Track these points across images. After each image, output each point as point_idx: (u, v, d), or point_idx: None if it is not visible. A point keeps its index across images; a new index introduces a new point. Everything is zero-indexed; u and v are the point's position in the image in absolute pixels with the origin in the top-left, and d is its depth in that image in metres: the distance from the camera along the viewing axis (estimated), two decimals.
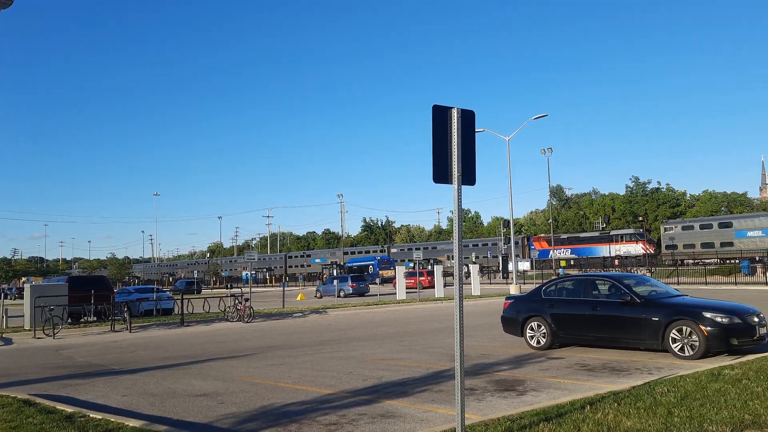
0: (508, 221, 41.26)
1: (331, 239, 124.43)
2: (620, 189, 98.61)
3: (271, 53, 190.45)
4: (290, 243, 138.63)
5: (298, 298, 43.15)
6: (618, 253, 66.70)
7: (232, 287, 62.29)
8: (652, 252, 66.60)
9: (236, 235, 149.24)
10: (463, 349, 5.54)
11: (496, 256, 74.77)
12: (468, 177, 5.75)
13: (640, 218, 77.82)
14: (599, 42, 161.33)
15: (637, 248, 66.21)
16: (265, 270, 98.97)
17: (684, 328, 11.12)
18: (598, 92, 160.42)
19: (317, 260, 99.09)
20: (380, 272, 60.63)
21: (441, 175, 5.59)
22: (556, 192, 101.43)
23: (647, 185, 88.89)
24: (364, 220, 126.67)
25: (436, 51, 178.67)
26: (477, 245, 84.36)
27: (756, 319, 11.36)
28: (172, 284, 79.55)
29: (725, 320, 11.00)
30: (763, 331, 11.42)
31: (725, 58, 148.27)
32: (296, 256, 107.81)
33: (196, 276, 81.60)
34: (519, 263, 63.09)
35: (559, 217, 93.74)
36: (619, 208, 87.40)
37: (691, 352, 10.96)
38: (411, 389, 9.06)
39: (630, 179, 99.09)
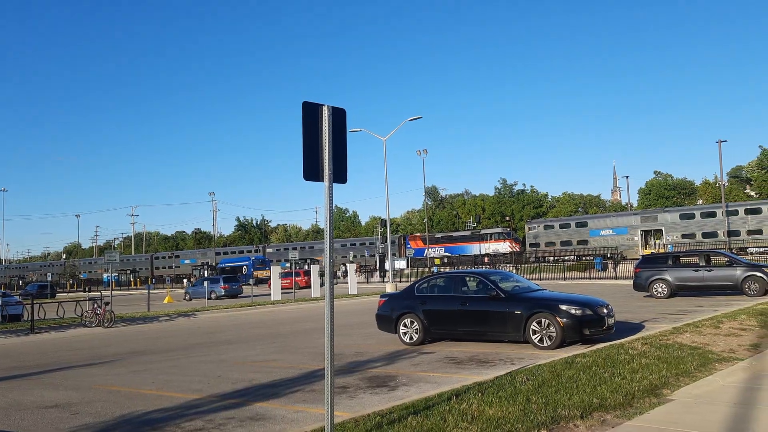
0: (386, 221, 41.97)
1: (202, 239, 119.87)
2: (490, 190, 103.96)
3: (134, 48, 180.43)
4: (157, 243, 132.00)
5: (165, 301, 41.17)
6: (488, 251, 70.06)
7: (90, 290, 58.03)
8: (518, 250, 70.61)
9: (96, 235, 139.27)
10: (333, 348, 5.50)
11: (374, 255, 75.91)
12: (339, 175, 5.73)
13: (507, 218, 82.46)
14: (472, 47, 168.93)
15: (504, 246, 69.90)
16: (129, 272, 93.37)
17: (543, 320, 11.87)
18: (470, 96, 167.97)
19: (187, 261, 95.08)
20: (255, 273, 59.33)
21: (312, 172, 5.52)
22: (432, 192, 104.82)
23: (514, 187, 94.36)
24: (238, 220, 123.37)
25: (315, 53, 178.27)
26: (355, 244, 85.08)
27: (605, 311, 12.36)
28: (22, 288, 72.74)
29: (579, 312, 11.88)
30: (611, 321, 12.47)
31: (583, 68, 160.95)
32: (164, 257, 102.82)
33: (50, 279, 75.25)
34: (395, 262, 64.40)
35: (434, 217, 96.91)
36: (489, 208, 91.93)
37: (549, 343, 11.71)
38: (283, 390, 8.92)
39: (498, 181, 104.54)
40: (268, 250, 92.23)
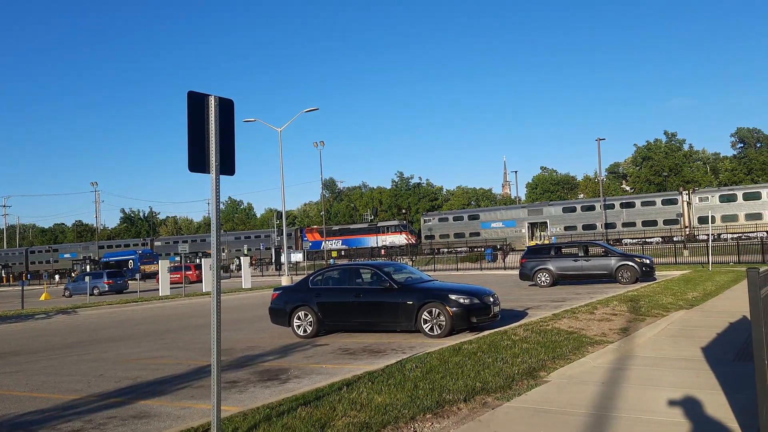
0: (282, 213, 41.47)
1: (83, 232, 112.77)
2: (387, 183, 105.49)
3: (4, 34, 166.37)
4: (33, 236, 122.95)
5: (42, 298, 38.48)
6: (384, 243, 71.08)
7: None
8: (414, 242, 72.19)
9: None
10: (219, 342, 5.42)
11: (270, 249, 74.82)
12: (227, 167, 5.63)
13: (404, 211, 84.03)
14: (369, 42, 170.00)
15: (401, 239, 71.21)
16: (0, 267, 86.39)
17: (433, 309, 12.26)
18: (368, 90, 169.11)
19: (67, 255, 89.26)
20: (142, 267, 56.74)
21: (197, 164, 5.39)
22: (329, 185, 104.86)
23: (410, 180, 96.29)
24: (124, 212, 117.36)
25: (216, 44, 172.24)
26: (250, 237, 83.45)
27: (491, 299, 12.95)
28: None
29: (467, 301, 12.36)
30: (497, 309, 13.08)
31: (477, 66, 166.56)
32: (41, 251, 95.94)
33: None
34: (292, 255, 63.85)
35: (331, 210, 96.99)
36: (386, 201, 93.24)
37: (439, 331, 12.11)
38: (170, 387, 8.65)
39: (396, 174, 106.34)
40: (157, 243, 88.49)
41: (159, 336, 15.41)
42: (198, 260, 52.05)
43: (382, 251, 68.28)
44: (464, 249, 65.23)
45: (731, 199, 53.61)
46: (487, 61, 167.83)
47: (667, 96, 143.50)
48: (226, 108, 5.65)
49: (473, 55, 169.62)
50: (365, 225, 77.80)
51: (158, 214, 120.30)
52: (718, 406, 6.05)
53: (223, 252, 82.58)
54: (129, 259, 63.89)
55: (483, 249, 59.20)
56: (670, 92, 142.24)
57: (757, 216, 51.71)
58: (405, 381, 7.43)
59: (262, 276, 55.00)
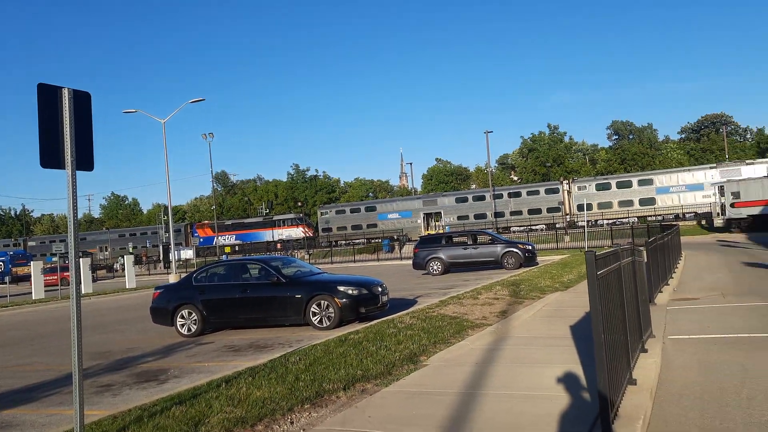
0: (169, 208, 39.86)
1: None
2: (283, 176, 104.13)
3: None
4: None
5: None
6: (281, 237, 70.22)
7: None
8: (311, 235, 71.84)
9: None
10: (81, 344, 5.20)
11: (157, 246, 71.77)
12: (84, 162, 5.37)
13: (300, 204, 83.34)
14: (261, 32, 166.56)
15: (297, 232, 70.63)
16: None
17: (322, 302, 12.32)
18: (263, 81, 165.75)
19: None
20: (13, 269, 52.54)
21: (50, 159, 5.11)
22: (221, 178, 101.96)
23: (307, 172, 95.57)
24: None
25: (106, 32, 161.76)
26: (135, 234, 79.68)
27: (380, 289, 13.21)
28: None
29: (355, 292, 12.53)
30: (385, 298, 13.36)
31: (372, 58, 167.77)
32: None
33: None
34: (181, 251, 61.61)
35: (224, 204, 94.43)
36: (282, 194, 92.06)
37: (328, 323, 12.20)
38: (38, 395, 8.16)
39: (291, 166, 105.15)
40: (31, 243, 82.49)
41: (29, 342, 14.41)
42: None
43: (279, 245, 67.45)
44: (362, 241, 65.77)
45: (606, 187, 57.56)
46: (382, 54, 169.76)
47: (551, 90, 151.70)
48: (81, 101, 5.39)
49: (368, 48, 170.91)
50: (260, 219, 76.51)
51: (32, 212, 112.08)
52: (577, 377, 6.55)
53: (106, 251, 78.30)
54: None
55: (380, 240, 59.97)
56: (553, 87, 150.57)
57: (629, 203, 55.88)
58: (287, 374, 7.45)
59: (149, 275, 52.65)
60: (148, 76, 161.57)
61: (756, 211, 41.55)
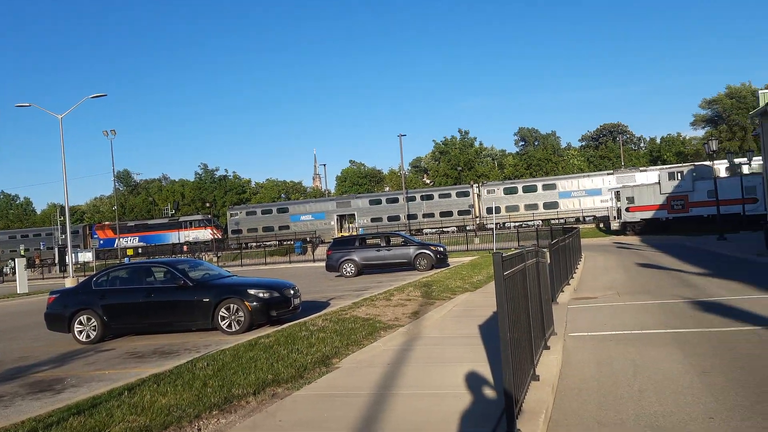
0: (65, 208, 37.64)
1: None
2: (190, 175, 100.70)
3: None
4: None
5: None
6: (188, 239, 67.98)
7: None
8: (220, 237, 70.00)
9: None
10: None
11: (52, 248, 67.59)
12: None
13: (209, 205, 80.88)
14: (164, 28, 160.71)
15: (206, 234, 68.59)
16: None
17: (232, 305, 12.03)
18: (169, 78, 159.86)
19: None
20: None
21: None
22: (124, 177, 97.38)
23: (216, 172, 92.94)
24: None
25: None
26: (27, 236, 74.76)
27: (291, 292, 13.06)
28: None
29: (266, 295, 12.32)
30: (297, 301, 13.23)
31: (286, 58, 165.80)
32: None
33: None
34: (79, 254, 58.44)
35: (126, 204, 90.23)
36: (189, 194, 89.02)
37: (238, 327, 11.93)
38: None
39: (199, 166, 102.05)
40: None
41: None
42: None
43: (185, 248, 65.26)
44: (274, 243, 64.81)
45: (513, 191, 59.80)
46: (295, 55, 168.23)
47: (462, 96, 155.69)
48: None
49: (281, 46, 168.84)
50: (166, 220, 73.68)
51: None
52: (484, 375, 6.75)
53: None
54: None
55: (293, 242, 59.33)
56: (465, 93, 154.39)
57: (534, 206, 58.32)
58: (194, 380, 7.22)
59: (44, 279, 49.50)
60: (44, 70, 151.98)
61: (648, 215, 44.56)
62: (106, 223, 76.38)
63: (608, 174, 57.63)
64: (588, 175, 59.83)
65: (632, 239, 41.18)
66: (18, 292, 32.07)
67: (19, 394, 7.88)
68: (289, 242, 61.39)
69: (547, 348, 7.55)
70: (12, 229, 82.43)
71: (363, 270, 25.70)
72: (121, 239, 65.45)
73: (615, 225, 46.64)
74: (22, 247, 69.78)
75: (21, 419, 6.08)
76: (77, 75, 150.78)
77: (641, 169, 57.64)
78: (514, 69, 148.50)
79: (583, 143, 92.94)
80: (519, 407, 4.88)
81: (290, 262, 45.76)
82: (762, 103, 28.82)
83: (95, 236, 71.88)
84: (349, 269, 25.49)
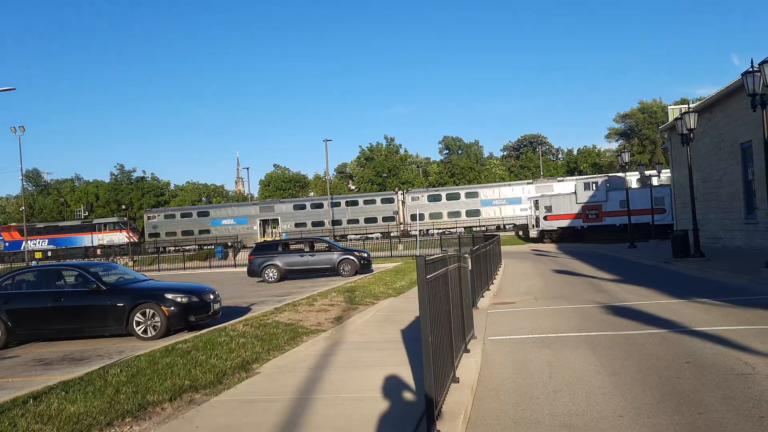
0: None
1: None
2: (105, 176, 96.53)
3: None
4: None
5: None
6: (102, 242, 65.11)
7: None
8: (136, 240, 67.43)
9: None
10: None
11: None
12: None
13: (125, 207, 77.73)
14: (80, 19, 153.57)
15: (121, 237, 65.87)
16: None
17: (148, 310, 11.63)
18: (81, 72, 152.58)
19: None
20: None
21: None
22: (33, 176, 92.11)
23: (133, 173, 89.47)
24: None
25: None
26: None
27: (212, 296, 12.76)
28: None
29: (185, 300, 11.99)
30: (217, 306, 12.93)
31: (200, 56, 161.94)
32: None
33: None
34: None
35: (35, 205, 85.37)
36: (104, 196, 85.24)
37: (154, 333, 11.54)
38: None
39: (115, 167, 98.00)
40: None
41: None
42: None
43: (98, 251, 62.41)
44: (193, 247, 63.03)
45: (437, 198, 60.87)
46: (217, 55, 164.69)
47: (389, 103, 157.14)
48: None
49: (203, 44, 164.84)
50: (78, 222, 70.15)
51: None
52: (406, 378, 6.82)
53: None
54: None
55: (213, 247, 57.91)
56: (391, 100, 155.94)
57: (457, 214, 59.59)
58: (106, 387, 6.92)
59: None
60: None
61: (564, 223, 46.47)
62: (13, 224, 71.84)
63: (528, 183, 59.69)
64: (509, 184, 61.72)
65: (550, 247, 42.81)
66: None
67: None
68: (209, 247, 59.86)
69: (468, 351, 7.73)
70: None
71: (286, 275, 25.44)
72: (29, 242, 61.72)
73: (533, 233, 48.35)
74: None
75: None
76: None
77: (559, 179, 60.05)
78: (441, 78, 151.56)
79: (505, 153, 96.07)
80: (439, 409, 4.97)
81: (210, 267, 44.71)
82: (671, 119, 30.72)
83: (0, 238, 67.54)
84: (271, 274, 25.16)
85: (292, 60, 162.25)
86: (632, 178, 47.91)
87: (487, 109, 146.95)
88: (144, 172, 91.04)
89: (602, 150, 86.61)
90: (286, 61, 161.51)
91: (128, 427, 5.55)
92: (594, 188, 46.06)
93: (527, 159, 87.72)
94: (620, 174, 40.44)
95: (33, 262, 53.49)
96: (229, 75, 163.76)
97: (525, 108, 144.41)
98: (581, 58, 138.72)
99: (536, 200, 48.76)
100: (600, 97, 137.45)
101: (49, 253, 63.92)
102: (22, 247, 61.94)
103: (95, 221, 69.13)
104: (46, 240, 66.66)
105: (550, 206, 46.91)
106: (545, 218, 46.98)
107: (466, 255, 10.36)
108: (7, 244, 66.28)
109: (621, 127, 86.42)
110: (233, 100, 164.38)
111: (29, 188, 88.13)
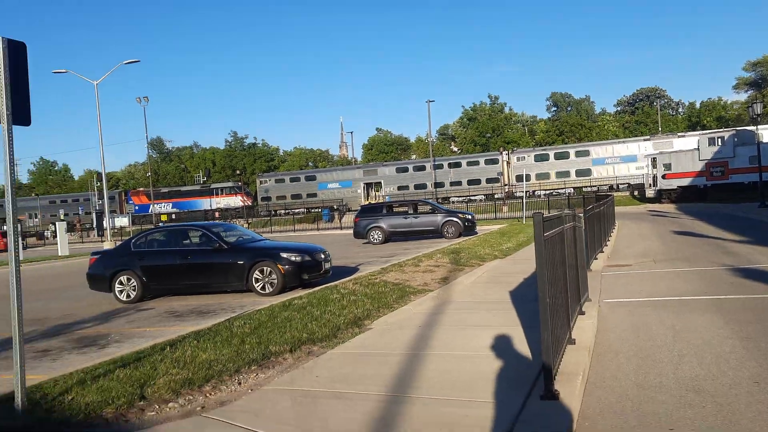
0: (102, 174, 38.42)
1: None
2: (220, 143, 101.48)
3: None
4: None
5: None
6: (219, 205, 68.88)
7: None
8: (250, 204, 70.77)
9: None
10: (21, 302, 4.99)
11: (90, 213, 69.22)
12: (21, 115, 5.10)
13: (239, 172, 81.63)
14: None
15: (236, 200, 69.40)
16: None
17: (265, 268, 12.22)
18: (200, 45, 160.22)
19: None
20: None
21: None
22: (157, 144, 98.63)
23: (245, 140, 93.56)
24: None
25: None
26: (66, 201, 76.58)
27: (322, 256, 13.19)
28: None
29: (298, 259, 12.47)
30: (328, 265, 13.37)
31: (300, 26, 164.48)
32: None
33: None
34: (116, 219, 59.72)
35: (159, 171, 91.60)
36: (220, 161, 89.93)
37: (271, 289, 12.13)
38: None
39: (229, 134, 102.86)
40: None
41: None
42: (5, 227, 46.70)
43: (217, 214, 66.15)
44: (301, 210, 65.27)
45: (544, 158, 58.88)
46: (321, 21, 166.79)
47: (492, 61, 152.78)
48: (16, 50, 5.10)
49: (306, 15, 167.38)
50: (198, 187, 74.66)
51: None
52: (517, 338, 6.76)
53: (36, 217, 75.06)
54: None
55: (320, 210, 59.66)
56: (494, 58, 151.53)
57: (566, 174, 57.43)
58: (232, 337, 7.39)
59: (83, 242, 50.85)
60: (78, 35, 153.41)
61: (685, 182, 43.57)
62: (141, 189, 77.77)
63: (644, 140, 56.15)
64: (623, 141, 58.46)
65: (668, 207, 40.42)
66: (59, 254, 33.02)
67: (65, 349, 8.18)
68: (316, 210, 61.69)
69: (582, 313, 7.52)
70: (51, 195, 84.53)
71: (390, 237, 25.76)
72: (155, 205, 66.65)
73: (650, 193, 45.73)
74: (61, 211, 71.53)
75: (69, 371, 6.31)
76: (110, 42, 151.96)
77: (679, 134, 56.00)
78: (546, 32, 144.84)
79: (619, 108, 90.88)
80: (556, 369, 4.90)
81: (318, 229, 46.10)
82: None
83: (131, 202, 73.30)
84: (376, 236, 25.58)
85: (393, 23, 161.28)
86: (764, 132, 43.85)
87: (598, 63, 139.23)
88: (255, 138, 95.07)
89: (729, 102, 79.83)
90: (387, 25, 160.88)
91: (254, 375, 5.92)
92: (719, 143, 42.67)
93: (643, 114, 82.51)
94: (750, 127, 37.17)
95: (159, 224, 57.75)
96: (332, 41, 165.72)
97: (641, 59, 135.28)
98: (704, 1, 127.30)
99: (654, 158, 45.93)
100: (726, 45, 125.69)
101: (173, 216, 68.59)
102: (149, 210, 67.00)
103: (213, 186, 73.19)
104: (170, 204, 71.53)
105: (670, 164, 44.03)
106: (664, 177, 44.24)
107: (579, 215, 10.01)
108: (136, 207, 71.85)
109: (751, 76, 78.94)
110: (336, 65, 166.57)
111: (153, 155, 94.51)
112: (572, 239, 7.14)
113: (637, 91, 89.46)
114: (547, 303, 4.46)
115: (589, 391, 5.11)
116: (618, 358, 6.08)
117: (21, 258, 28.43)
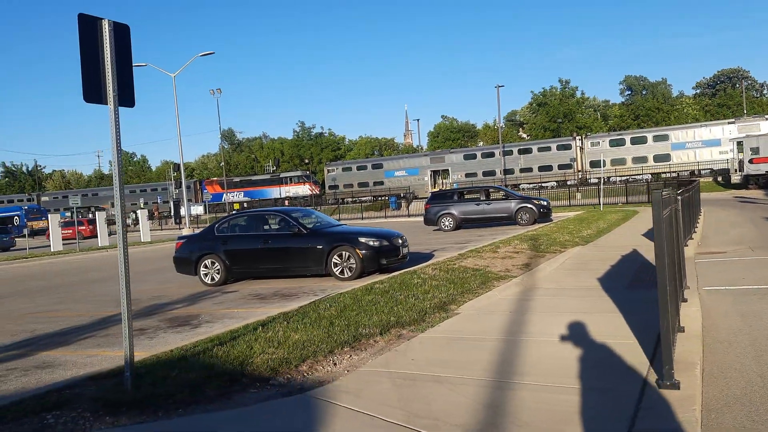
0: (179, 165, 39.76)
1: None
2: (288, 133, 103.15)
3: None
4: None
5: None
6: (288, 194, 70.11)
7: None
8: (318, 192, 71.69)
9: None
10: (128, 281, 5.13)
11: (167, 202, 71.96)
12: (126, 97, 5.21)
13: (306, 161, 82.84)
14: None
15: (304, 189, 70.42)
16: None
17: (344, 252, 12.26)
18: (267, 37, 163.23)
19: None
20: (29, 223, 52.95)
21: (93, 93, 4.94)
22: (228, 135, 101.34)
23: (312, 130, 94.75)
24: (4, 165, 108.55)
25: None
26: (146, 190, 79.81)
27: (400, 241, 13.13)
28: None
29: (376, 243, 12.45)
30: (405, 250, 13.30)
31: (373, 14, 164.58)
32: None
33: None
34: (192, 207, 61.73)
35: (231, 161, 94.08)
36: (288, 151, 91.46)
37: (350, 273, 12.17)
38: (73, 338, 8.20)
39: (297, 124, 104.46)
40: (44, 198, 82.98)
41: (55, 291, 14.50)
42: (91, 215, 49.27)
43: (286, 202, 67.32)
44: (368, 198, 65.56)
45: (620, 143, 56.71)
46: (387, 9, 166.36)
47: (561, 45, 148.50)
48: (121, 33, 5.19)
49: (373, 3, 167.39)
50: (267, 176, 76.15)
51: (44, 168, 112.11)
52: (617, 325, 6.47)
53: None
54: (14, 215, 59.38)
55: (387, 197, 59.73)
56: (563, 41, 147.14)
57: (643, 159, 55.12)
58: (320, 319, 7.42)
59: (162, 230, 52.96)
60: (152, 28, 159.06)
61: None
62: (214, 178, 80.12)
63: (729, 123, 53.07)
64: (705, 125, 55.46)
65: (756, 193, 38.16)
66: (141, 240, 34.47)
67: (160, 328, 8.45)
68: (383, 197, 61.78)
69: (685, 300, 7.13)
70: (131, 185, 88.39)
71: (461, 224, 25.43)
72: (228, 194, 68.53)
73: (736, 178, 43.28)
74: (141, 200, 74.68)
75: (169, 348, 6.50)
76: (183, 35, 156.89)
77: (767, 117, 52.76)
78: (618, 13, 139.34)
79: (698, 91, 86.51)
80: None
81: (386, 216, 46.21)
82: None
83: (205, 191, 75.69)
84: (447, 223, 25.31)
85: (459, 8, 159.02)
86: None
87: (675, 44, 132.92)
88: (322, 128, 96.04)
89: None
90: (453, 9, 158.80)
91: (348, 356, 5.90)
92: None
93: (726, 96, 78.18)
94: None
95: (233, 212, 59.46)
96: (396, 28, 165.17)
97: (721, 40, 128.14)
98: None
99: (740, 141, 43.39)
100: None
101: (245, 204, 70.36)
102: (222, 199, 68.88)
103: (282, 175, 74.52)
104: (242, 192, 73.39)
105: (758, 148, 41.46)
106: (751, 161, 41.74)
107: (677, 197, 9.50)
108: (210, 196, 74.13)
109: None
110: (401, 53, 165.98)
111: (225, 146, 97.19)
112: (675, 222, 6.76)
113: (718, 72, 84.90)
114: (666, 286, 4.19)
115: (708, 381, 4.80)
116: (733, 347, 5.70)
117: (107, 244, 29.95)
